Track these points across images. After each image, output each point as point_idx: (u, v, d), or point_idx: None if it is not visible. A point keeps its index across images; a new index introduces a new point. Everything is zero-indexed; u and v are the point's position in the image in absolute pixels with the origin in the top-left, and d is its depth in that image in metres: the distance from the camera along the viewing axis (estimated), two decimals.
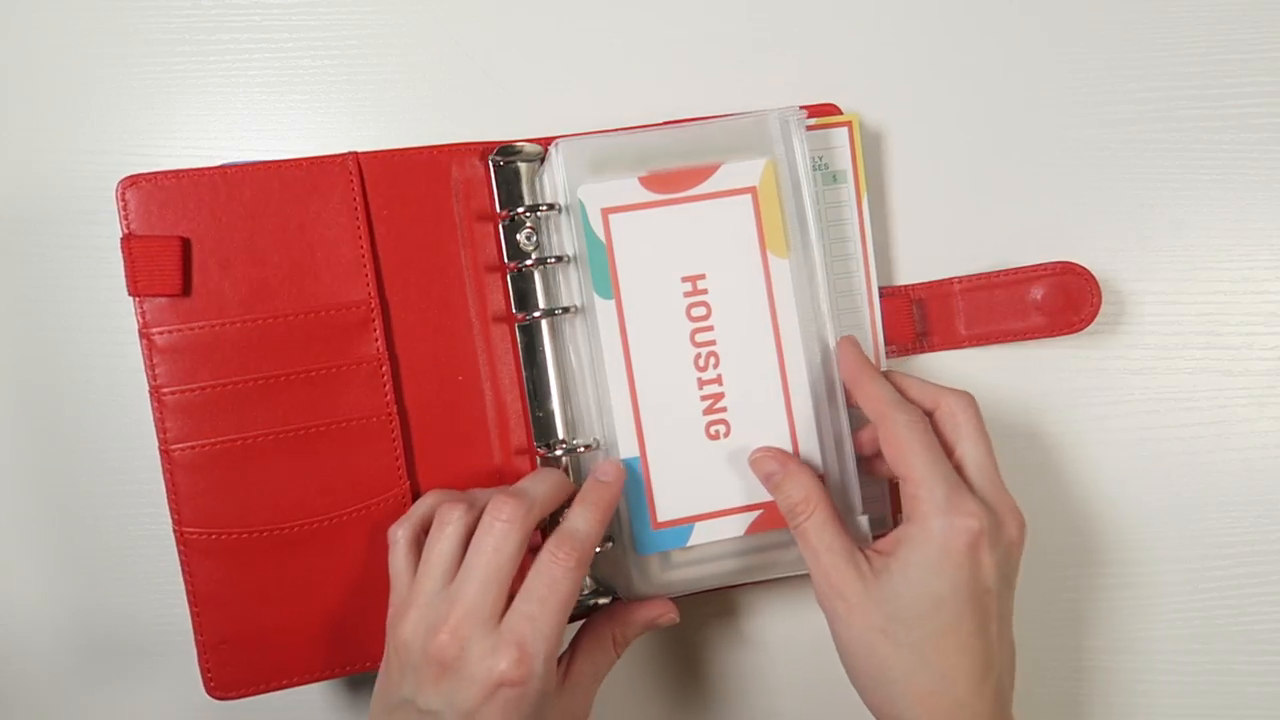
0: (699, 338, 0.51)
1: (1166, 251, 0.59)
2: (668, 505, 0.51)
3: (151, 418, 0.49)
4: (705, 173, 0.51)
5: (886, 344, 0.57)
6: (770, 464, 0.49)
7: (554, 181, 0.52)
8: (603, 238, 0.51)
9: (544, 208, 0.52)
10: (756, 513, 0.51)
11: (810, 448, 0.51)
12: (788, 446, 0.51)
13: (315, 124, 0.56)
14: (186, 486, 0.49)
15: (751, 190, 0.51)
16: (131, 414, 0.54)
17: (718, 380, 0.51)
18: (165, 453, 0.49)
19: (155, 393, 0.49)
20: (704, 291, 0.51)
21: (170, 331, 0.49)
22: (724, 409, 0.51)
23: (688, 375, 0.51)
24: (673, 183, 0.51)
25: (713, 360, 0.51)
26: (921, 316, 0.58)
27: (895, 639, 0.44)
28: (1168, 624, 0.59)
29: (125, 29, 0.56)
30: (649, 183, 0.51)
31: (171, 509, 0.50)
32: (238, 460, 0.49)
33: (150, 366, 0.49)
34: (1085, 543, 0.59)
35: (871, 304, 0.56)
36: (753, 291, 0.51)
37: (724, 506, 0.51)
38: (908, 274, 0.58)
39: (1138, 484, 0.59)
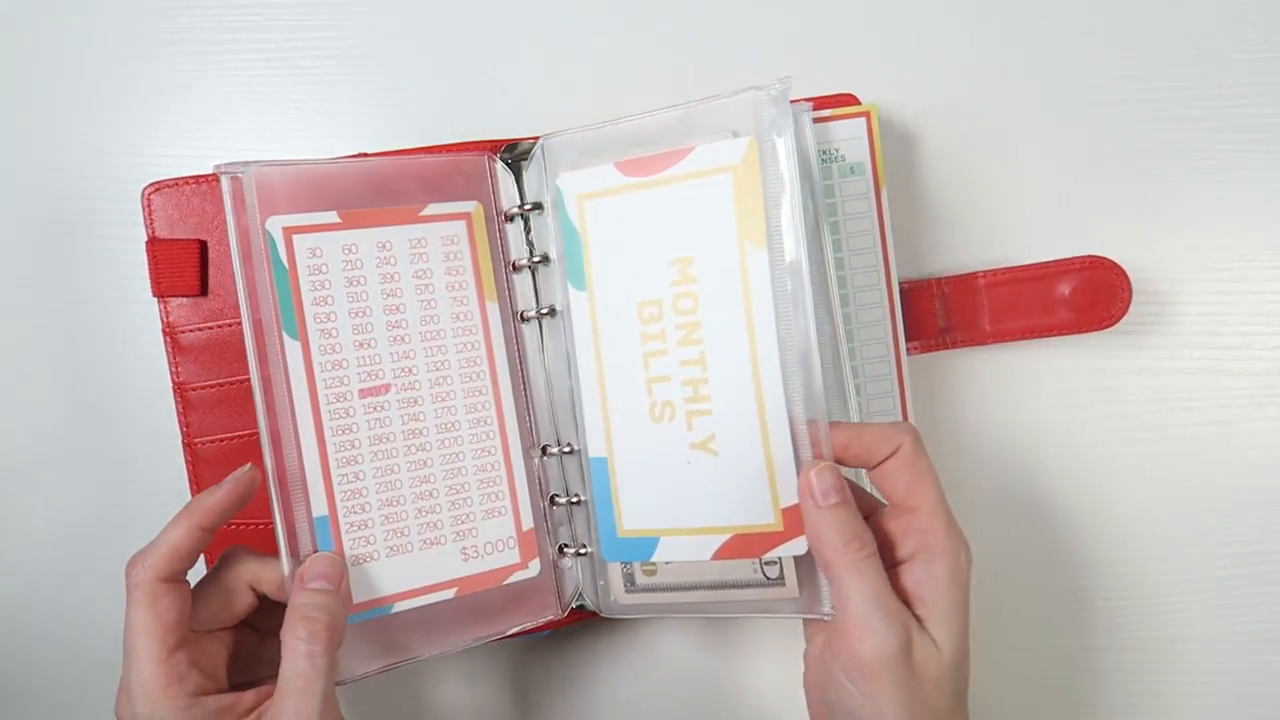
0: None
1: (1166, 251, 0.63)
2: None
3: (175, 413, 0.56)
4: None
5: (908, 340, 0.59)
6: (830, 479, 0.47)
7: (539, 176, 0.54)
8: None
9: (529, 206, 0.54)
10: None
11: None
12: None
13: (316, 124, 0.62)
14: (210, 479, 0.55)
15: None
16: (157, 409, 0.60)
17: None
18: (189, 446, 0.56)
19: (179, 389, 0.56)
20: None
21: (192, 330, 0.55)
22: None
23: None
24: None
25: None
26: (945, 311, 0.61)
27: (945, 690, 0.45)
28: (1168, 624, 0.63)
29: (125, 31, 0.61)
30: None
31: None
32: (258, 452, 0.51)
33: (174, 364, 0.56)
34: (1085, 542, 0.64)
35: (891, 298, 0.59)
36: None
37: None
38: (933, 267, 0.63)
39: (1138, 484, 0.64)
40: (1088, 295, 0.60)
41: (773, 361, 0.48)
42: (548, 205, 0.54)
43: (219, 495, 0.47)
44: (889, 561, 0.47)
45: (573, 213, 0.52)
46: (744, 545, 0.50)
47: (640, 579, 0.53)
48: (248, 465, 0.49)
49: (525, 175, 0.55)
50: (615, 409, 0.51)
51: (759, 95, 0.48)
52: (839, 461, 0.48)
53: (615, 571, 0.54)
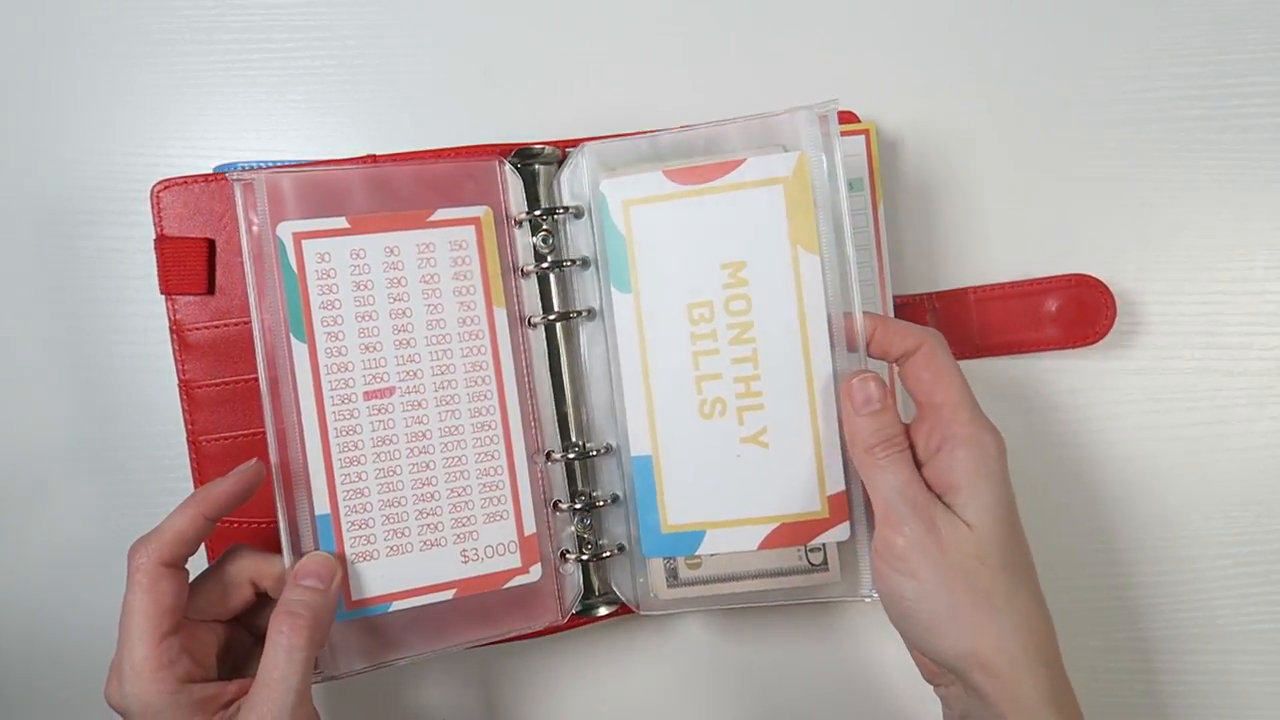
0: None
1: (1166, 251, 0.65)
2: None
3: (180, 410, 0.57)
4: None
5: None
6: (874, 388, 0.50)
7: (576, 181, 0.56)
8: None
9: (561, 210, 0.56)
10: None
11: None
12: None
13: (316, 123, 0.63)
14: (214, 476, 0.53)
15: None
16: (160, 407, 0.62)
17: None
18: (193, 444, 0.57)
19: (185, 387, 0.57)
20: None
21: (198, 329, 0.57)
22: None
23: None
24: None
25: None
26: (937, 325, 0.63)
27: (990, 564, 0.48)
28: (1168, 624, 0.65)
29: (124, 30, 0.63)
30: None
31: None
32: (262, 451, 0.53)
33: (180, 362, 0.57)
34: (1085, 543, 0.65)
35: (887, 312, 0.61)
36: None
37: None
38: (923, 283, 0.64)
39: (1138, 484, 0.65)
40: (1073, 312, 0.63)
41: (824, 358, 0.52)
42: (586, 211, 0.56)
43: (225, 485, 0.49)
44: (920, 460, 0.51)
45: (617, 217, 0.54)
46: (791, 533, 0.53)
47: (684, 573, 0.56)
48: (254, 459, 0.51)
49: (558, 180, 0.57)
50: (662, 407, 0.54)
51: (810, 114, 0.52)
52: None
53: (657, 567, 0.56)
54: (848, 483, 0.53)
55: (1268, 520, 0.66)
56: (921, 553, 0.48)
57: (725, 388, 0.53)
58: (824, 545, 0.55)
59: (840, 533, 0.53)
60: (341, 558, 0.51)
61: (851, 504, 0.53)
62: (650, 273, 0.54)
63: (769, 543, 0.53)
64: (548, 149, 0.57)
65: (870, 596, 0.53)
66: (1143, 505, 0.66)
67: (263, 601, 0.52)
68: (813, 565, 0.55)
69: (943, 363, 0.51)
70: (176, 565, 0.48)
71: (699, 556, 0.55)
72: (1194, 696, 0.66)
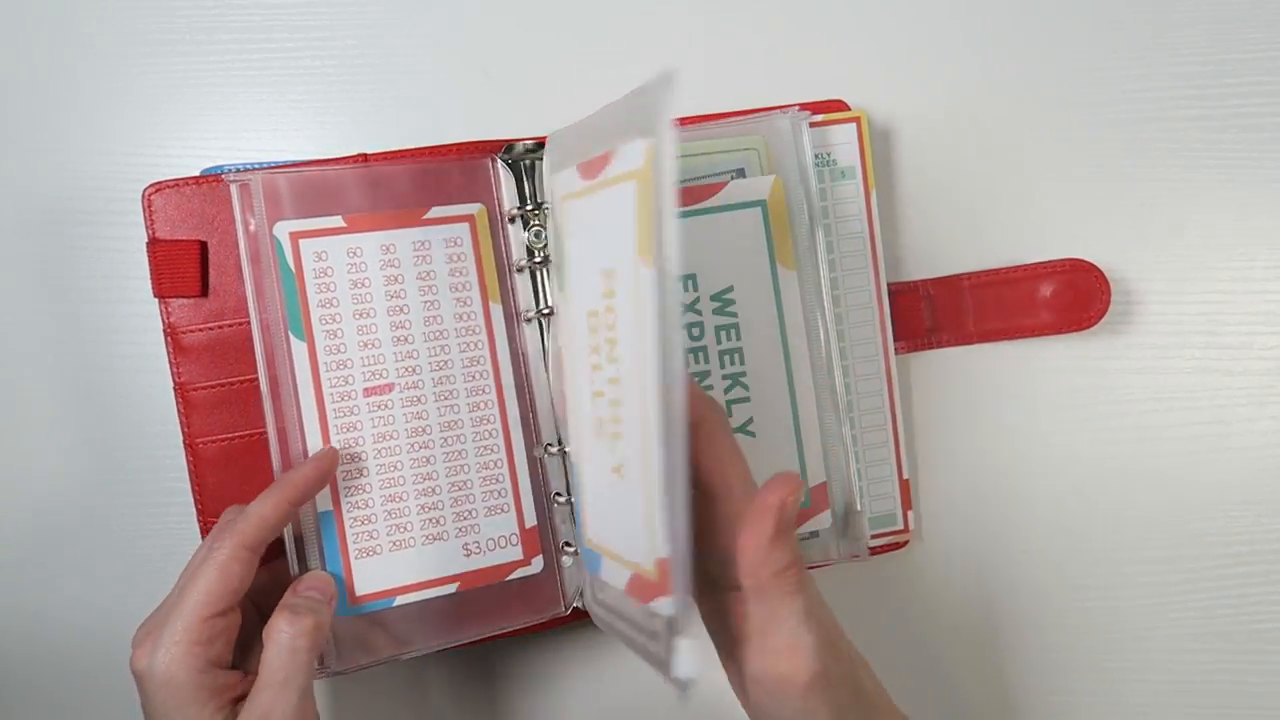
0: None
1: (1166, 251, 0.65)
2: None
3: (176, 413, 0.57)
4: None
5: (896, 339, 0.62)
6: (800, 497, 0.44)
7: (546, 175, 0.54)
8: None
9: (533, 206, 0.56)
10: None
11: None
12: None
13: (316, 123, 0.63)
14: (211, 478, 0.57)
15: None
16: (157, 409, 0.62)
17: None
18: (190, 446, 0.57)
19: (180, 390, 0.57)
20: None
21: (193, 331, 0.57)
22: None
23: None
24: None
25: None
26: (932, 311, 0.64)
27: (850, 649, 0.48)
28: (1167, 623, 0.65)
29: (125, 30, 0.63)
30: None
31: (196, 500, 0.57)
32: (259, 452, 0.55)
33: (175, 365, 0.57)
34: (1084, 543, 0.65)
35: (880, 300, 0.61)
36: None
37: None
38: (917, 269, 0.65)
39: (1138, 484, 0.65)
40: (1067, 297, 0.63)
41: (653, 391, 0.40)
42: (549, 205, 0.54)
43: (305, 471, 0.51)
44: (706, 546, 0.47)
45: (558, 213, 0.52)
46: (640, 587, 0.45)
47: (596, 592, 0.51)
48: (328, 446, 0.52)
49: (538, 175, 0.57)
50: (573, 420, 0.51)
51: (644, 92, 0.41)
52: None
53: (587, 577, 0.52)
54: (672, 547, 0.40)
55: (1268, 520, 0.66)
56: (839, 679, 0.44)
57: (603, 407, 0.46)
58: (657, 614, 0.43)
59: (666, 606, 0.42)
60: (334, 582, 0.52)
61: (673, 575, 0.40)
62: (573, 273, 0.49)
63: (630, 589, 0.46)
64: (530, 143, 0.57)
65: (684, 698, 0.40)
66: (1143, 505, 0.66)
67: (270, 583, 0.53)
68: (653, 632, 0.44)
69: (727, 445, 0.46)
70: (256, 551, 0.49)
71: (603, 579, 0.49)
72: (1194, 696, 0.66)
